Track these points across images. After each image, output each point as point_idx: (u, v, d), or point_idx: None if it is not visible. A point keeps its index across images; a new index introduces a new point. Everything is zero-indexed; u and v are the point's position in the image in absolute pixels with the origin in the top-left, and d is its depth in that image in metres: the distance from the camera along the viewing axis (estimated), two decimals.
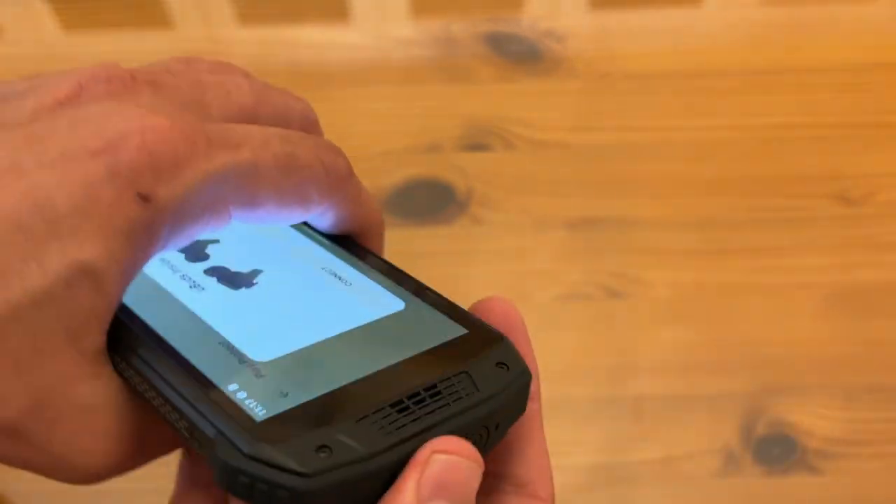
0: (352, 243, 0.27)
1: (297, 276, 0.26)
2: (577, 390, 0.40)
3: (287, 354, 0.23)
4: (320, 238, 0.27)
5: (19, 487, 0.38)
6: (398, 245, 0.43)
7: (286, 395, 0.21)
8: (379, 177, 0.47)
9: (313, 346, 0.23)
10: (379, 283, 0.25)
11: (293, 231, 0.28)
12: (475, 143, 0.48)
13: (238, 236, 0.28)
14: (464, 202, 0.46)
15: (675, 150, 0.47)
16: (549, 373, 0.40)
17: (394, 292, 0.25)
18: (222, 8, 0.54)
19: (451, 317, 0.24)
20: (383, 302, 0.24)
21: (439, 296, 0.25)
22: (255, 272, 0.27)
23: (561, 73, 0.50)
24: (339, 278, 0.26)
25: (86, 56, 0.51)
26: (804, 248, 0.43)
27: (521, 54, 0.51)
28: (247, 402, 0.20)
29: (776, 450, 0.38)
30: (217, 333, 0.23)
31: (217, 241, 0.28)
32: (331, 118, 0.52)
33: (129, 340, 0.21)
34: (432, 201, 0.46)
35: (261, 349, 0.23)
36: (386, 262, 0.26)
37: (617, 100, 0.49)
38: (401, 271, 0.26)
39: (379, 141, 0.48)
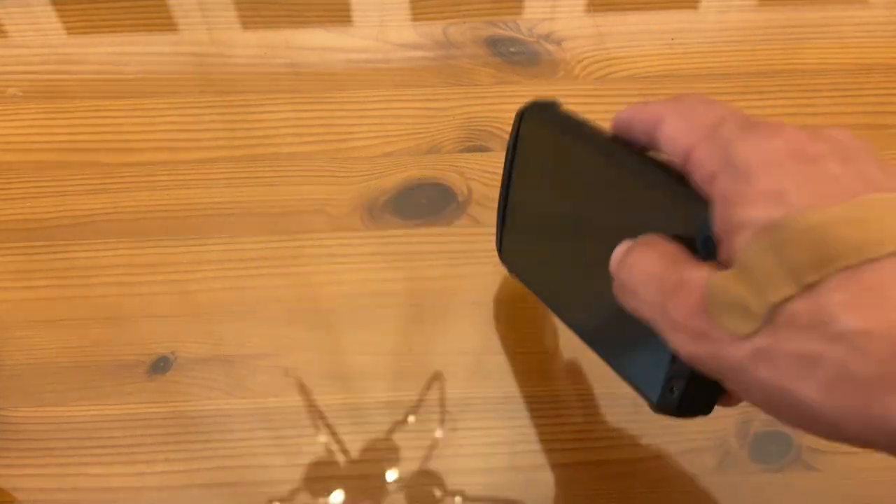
0: None
1: None
2: (577, 386, 0.40)
3: None
4: None
5: (19, 484, 0.39)
6: (398, 245, 0.44)
7: None
8: (380, 178, 0.47)
9: None
10: None
11: None
12: (474, 145, 0.48)
13: None
14: (463, 203, 0.46)
15: None
16: (550, 371, 0.41)
17: None
18: (225, 11, 0.54)
19: None
20: None
21: None
22: None
23: (559, 76, 0.51)
24: None
25: (90, 59, 0.51)
26: None
27: (519, 57, 0.52)
28: None
29: (772, 447, 0.39)
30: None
31: None
32: (332, 120, 0.53)
33: None
34: (432, 202, 0.46)
35: None
36: None
37: (614, 102, 0.50)
38: None
39: (379, 143, 0.48)
